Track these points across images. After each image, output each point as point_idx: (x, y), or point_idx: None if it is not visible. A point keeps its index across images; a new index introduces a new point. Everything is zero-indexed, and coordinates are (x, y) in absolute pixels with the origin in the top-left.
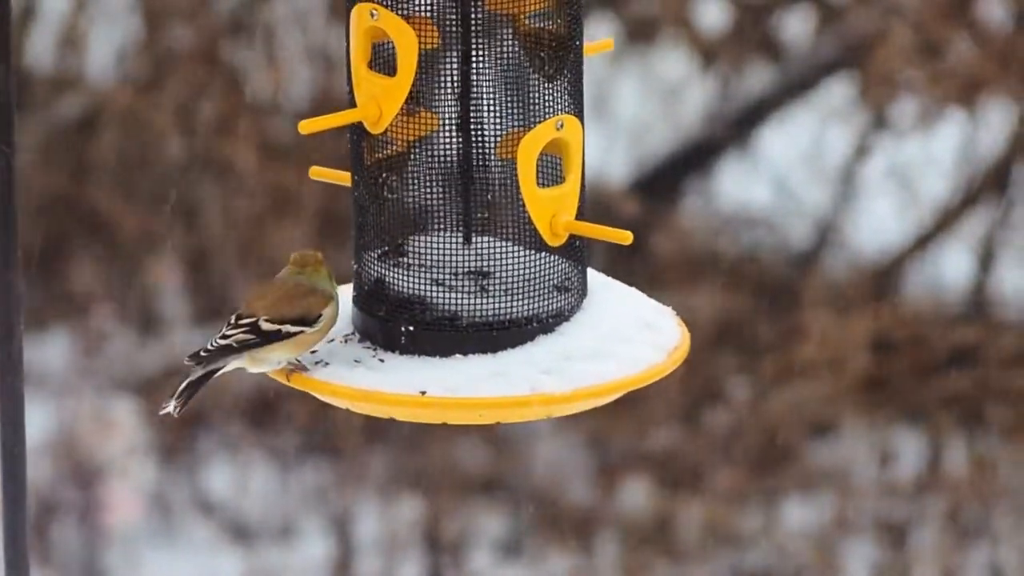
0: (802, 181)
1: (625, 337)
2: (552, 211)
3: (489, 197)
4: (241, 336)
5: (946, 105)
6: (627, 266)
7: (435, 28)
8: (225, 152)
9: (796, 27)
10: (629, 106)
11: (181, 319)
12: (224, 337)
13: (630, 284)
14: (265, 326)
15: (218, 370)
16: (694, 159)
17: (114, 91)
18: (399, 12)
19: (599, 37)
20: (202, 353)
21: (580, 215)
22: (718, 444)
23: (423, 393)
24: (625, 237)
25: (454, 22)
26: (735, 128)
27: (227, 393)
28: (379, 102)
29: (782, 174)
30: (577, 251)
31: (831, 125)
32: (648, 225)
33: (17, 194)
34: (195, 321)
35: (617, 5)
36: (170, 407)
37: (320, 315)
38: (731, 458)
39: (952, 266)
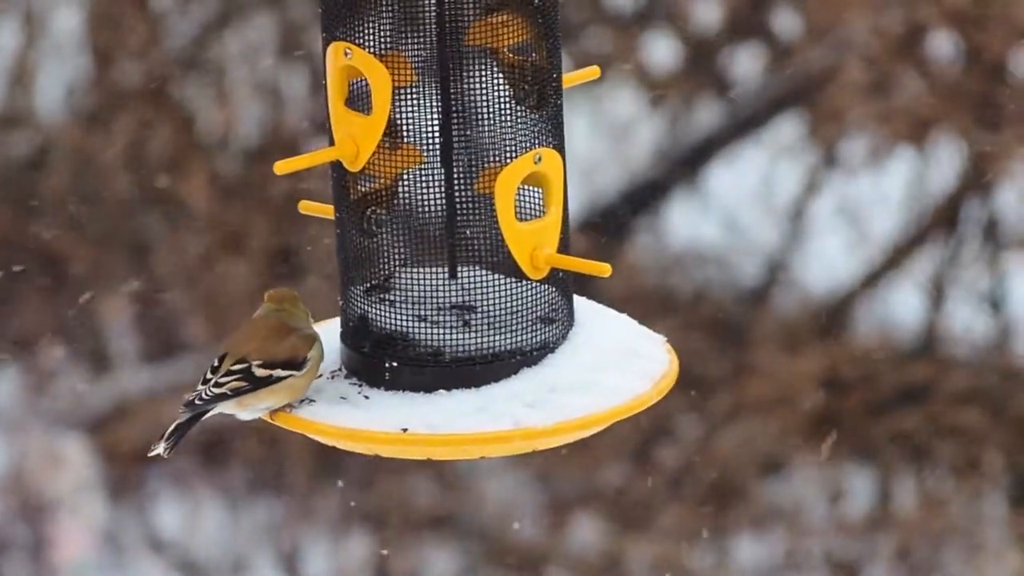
0: (752, 219)
1: (611, 367)
2: (533, 244)
3: (473, 231)
4: (235, 384)
5: (896, 142)
6: None
7: (410, 65)
8: (175, 189)
9: (746, 64)
10: (579, 143)
11: (131, 357)
12: (217, 385)
13: None
14: (258, 372)
15: (206, 413)
16: (644, 197)
17: (63, 128)
18: (372, 51)
19: None
20: (196, 401)
21: (564, 247)
22: (668, 482)
23: (405, 430)
24: (604, 270)
25: (432, 59)
26: (685, 165)
27: None
28: (356, 140)
29: (732, 212)
30: (562, 282)
31: (781, 162)
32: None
33: None
34: (145, 359)
35: (567, 42)
36: (160, 449)
37: (307, 358)
38: (681, 496)
39: (902, 304)
